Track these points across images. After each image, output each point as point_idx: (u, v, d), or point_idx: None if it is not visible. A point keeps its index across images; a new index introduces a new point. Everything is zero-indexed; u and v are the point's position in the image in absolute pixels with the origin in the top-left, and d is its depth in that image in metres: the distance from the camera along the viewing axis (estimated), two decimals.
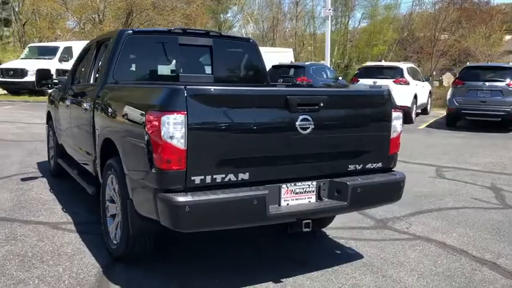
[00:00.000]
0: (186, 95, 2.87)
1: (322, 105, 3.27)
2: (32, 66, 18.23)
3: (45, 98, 9.59)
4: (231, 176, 3.05)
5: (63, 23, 29.23)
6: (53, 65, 17.99)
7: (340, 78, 15.98)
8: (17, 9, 34.61)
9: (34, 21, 30.03)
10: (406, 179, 3.80)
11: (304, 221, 3.28)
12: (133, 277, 3.58)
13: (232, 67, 5.21)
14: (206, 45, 4.83)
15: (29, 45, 21.98)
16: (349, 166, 3.53)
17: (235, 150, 3.07)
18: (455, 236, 4.64)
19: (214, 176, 2.99)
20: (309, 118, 3.24)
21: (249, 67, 5.24)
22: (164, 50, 4.73)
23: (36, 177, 6.63)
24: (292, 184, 3.30)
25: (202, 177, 2.95)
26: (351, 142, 3.55)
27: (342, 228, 4.78)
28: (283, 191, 3.27)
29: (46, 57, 19.19)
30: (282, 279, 3.55)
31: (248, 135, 3.10)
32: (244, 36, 44.78)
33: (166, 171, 2.88)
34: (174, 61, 4.76)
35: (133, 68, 4.58)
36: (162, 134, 2.84)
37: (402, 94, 13.01)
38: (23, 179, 6.51)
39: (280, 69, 14.94)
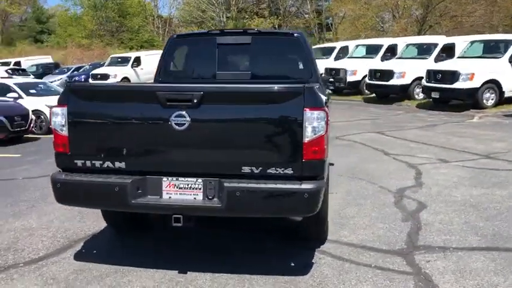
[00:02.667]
0: (68, 90, 3.44)
1: (196, 101, 3.22)
2: None
3: None
4: (109, 163, 3.42)
5: (364, 22, 30.68)
6: (328, 63, 19.63)
7: None
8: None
9: (341, 24, 32.72)
10: None
11: (173, 216, 3.33)
12: (108, 240, 4.34)
13: (272, 63, 5.10)
14: (245, 43, 4.97)
15: (314, 46, 24.33)
16: (243, 168, 3.28)
17: (110, 141, 3.42)
18: (474, 283, 3.43)
19: (93, 162, 3.44)
20: (185, 114, 3.24)
21: (290, 62, 5.02)
22: (203, 51, 5.15)
23: None
24: (175, 179, 3.38)
25: (83, 161, 3.45)
26: (242, 143, 3.28)
27: (351, 245, 4.21)
28: (164, 184, 3.39)
29: (324, 57, 20.97)
30: (189, 271, 3.63)
31: (121, 128, 3.40)
32: None
33: (58, 153, 3.53)
34: (212, 61, 5.11)
35: (176, 68, 5.19)
36: (51, 123, 3.50)
37: None
38: None
39: None
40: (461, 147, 8.68)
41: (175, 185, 3.38)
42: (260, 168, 3.26)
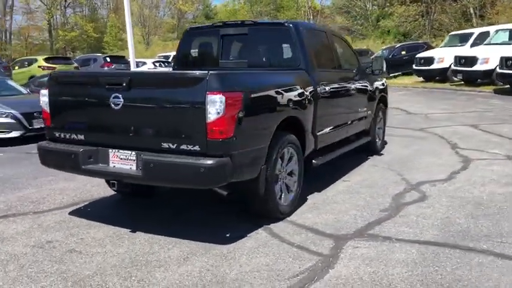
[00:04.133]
0: (49, 77, 4.32)
1: (124, 85, 3.81)
2: (440, 54, 19.20)
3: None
4: (74, 136, 4.23)
5: None
6: (461, 51, 18.26)
7: None
8: None
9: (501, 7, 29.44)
10: None
11: (110, 181, 4.00)
12: (108, 202, 5.22)
13: (265, 52, 5.32)
14: (242, 34, 5.35)
15: (451, 33, 22.40)
16: (163, 144, 3.77)
17: (73, 117, 4.23)
18: (371, 271, 3.43)
19: (64, 134, 4.28)
20: (119, 96, 3.88)
21: (281, 51, 5.20)
22: (210, 42, 5.64)
23: None
24: (117, 151, 4.03)
25: (59, 133, 4.32)
26: (159, 121, 3.76)
27: (301, 226, 4.39)
28: (110, 154, 4.06)
29: (459, 45, 19.42)
30: (138, 231, 4.26)
31: (80, 107, 4.16)
32: None
33: (45, 126, 4.45)
34: (217, 50, 5.57)
35: (189, 57, 5.78)
36: (40, 102, 4.42)
37: None
38: None
39: None
40: None
41: (117, 156, 4.03)
42: (176, 144, 3.73)
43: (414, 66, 20.34)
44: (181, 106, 3.70)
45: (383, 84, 7.66)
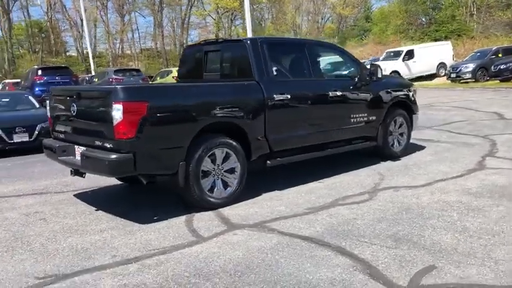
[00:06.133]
0: (50, 90, 5.84)
1: (75, 97, 5.10)
2: None
3: None
4: (59, 135, 5.66)
5: None
6: None
7: None
8: None
9: None
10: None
11: (70, 169, 5.32)
12: (109, 189, 6.60)
13: (230, 65, 6.00)
14: (218, 50, 6.21)
15: None
16: (96, 142, 4.94)
17: (58, 120, 5.64)
18: (237, 255, 4.09)
19: (56, 133, 5.74)
20: (74, 105, 5.18)
21: (240, 64, 5.82)
22: (199, 57, 6.57)
23: None
24: (78, 147, 5.33)
25: (55, 133, 5.81)
26: (92, 124, 4.92)
27: (221, 216, 5.11)
28: (76, 149, 5.37)
29: None
30: (100, 210, 5.51)
31: (60, 112, 5.56)
32: None
33: (50, 128, 5.99)
34: (202, 64, 6.49)
35: (186, 71, 6.81)
36: (46, 109, 5.97)
37: None
38: None
39: None
40: None
41: (79, 151, 5.31)
42: (101, 142, 4.86)
43: None
44: (102, 112, 4.81)
45: (405, 90, 7.68)
